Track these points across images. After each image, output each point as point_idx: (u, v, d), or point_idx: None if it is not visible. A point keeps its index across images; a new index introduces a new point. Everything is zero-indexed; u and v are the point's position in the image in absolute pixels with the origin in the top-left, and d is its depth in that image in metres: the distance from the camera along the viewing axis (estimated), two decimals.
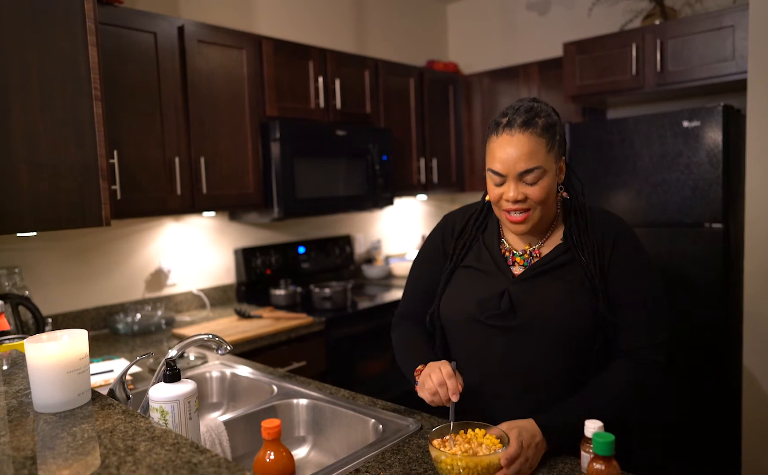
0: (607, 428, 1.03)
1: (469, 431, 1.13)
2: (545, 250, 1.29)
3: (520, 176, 1.20)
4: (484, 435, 1.12)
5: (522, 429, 1.11)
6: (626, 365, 1.23)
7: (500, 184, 1.23)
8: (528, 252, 1.30)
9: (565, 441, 1.15)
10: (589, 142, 2.95)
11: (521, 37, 4.01)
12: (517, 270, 1.29)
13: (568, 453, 1.14)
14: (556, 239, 1.30)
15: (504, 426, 1.12)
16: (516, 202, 1.21)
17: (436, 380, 1.17)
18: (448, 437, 1.12)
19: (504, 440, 1.09)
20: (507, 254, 1.32)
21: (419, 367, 1.27)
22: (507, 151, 1.20)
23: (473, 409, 1.27)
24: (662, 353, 1.24)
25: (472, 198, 3.83)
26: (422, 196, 4.08)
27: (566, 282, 1.23)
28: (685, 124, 2.66)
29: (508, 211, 1.23)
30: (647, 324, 1.23)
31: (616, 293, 1.23)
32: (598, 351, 1.23)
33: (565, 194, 1.32)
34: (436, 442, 1.10)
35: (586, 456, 1.03)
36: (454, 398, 1.15)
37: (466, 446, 1.08)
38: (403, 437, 1.27)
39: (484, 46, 4.22)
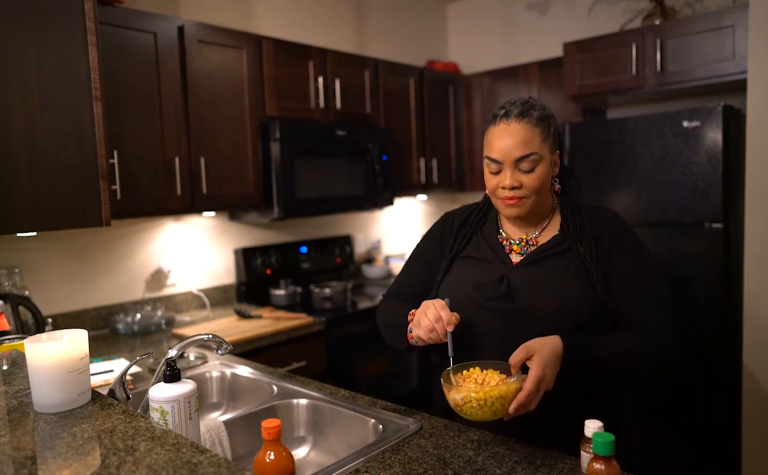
0: (606, 427, 1.03)
1: (471, 369, 1.16)
2: (542, 239, 1.33)
3: (516, 163, 1.24)
4: (483, 372, 1.15)
5: (548, 362, 1.09)
6: (639, 333, 1.24)
7: (497, 173, 1.28)
8: (525, 241, 1.33)
9: (580, 367, 1.15)
10: (589, 142, 2.95)
11: (521, 37, 4.01)
12: (515, 258, 1.32)
13: (568, 453, 1.14)
14: (552, 229, 1.33)
15: (531, 347, 1.11)
16: (512, 189, 1.25)
17: (432, 316, 1.18)
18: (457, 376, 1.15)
19: (505, 369, 1.12)
20: (504, 242, 1.35)
21: (412, 311, 1.28)
22: (504, 139, 1.25)
23: None
24: (672, 332, 1.26)
25: (472, 198, 3.84)
26: (422, 196, 4.08)
27: (564, 269, 1.26)
28: (685, 124, 2.66)
29: (504, 199, 1.27)
30: (656, 313, 1.25)
31: (620, 285, 1.25)
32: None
33: (557, 187, 1.36)
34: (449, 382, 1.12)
35: (586, 456, 1.02)
36: (449, 328, 1.16)
37: (473, 382, 1.11)
38: (403, 437, 1.27)
39: (484, 46, 4.22)
